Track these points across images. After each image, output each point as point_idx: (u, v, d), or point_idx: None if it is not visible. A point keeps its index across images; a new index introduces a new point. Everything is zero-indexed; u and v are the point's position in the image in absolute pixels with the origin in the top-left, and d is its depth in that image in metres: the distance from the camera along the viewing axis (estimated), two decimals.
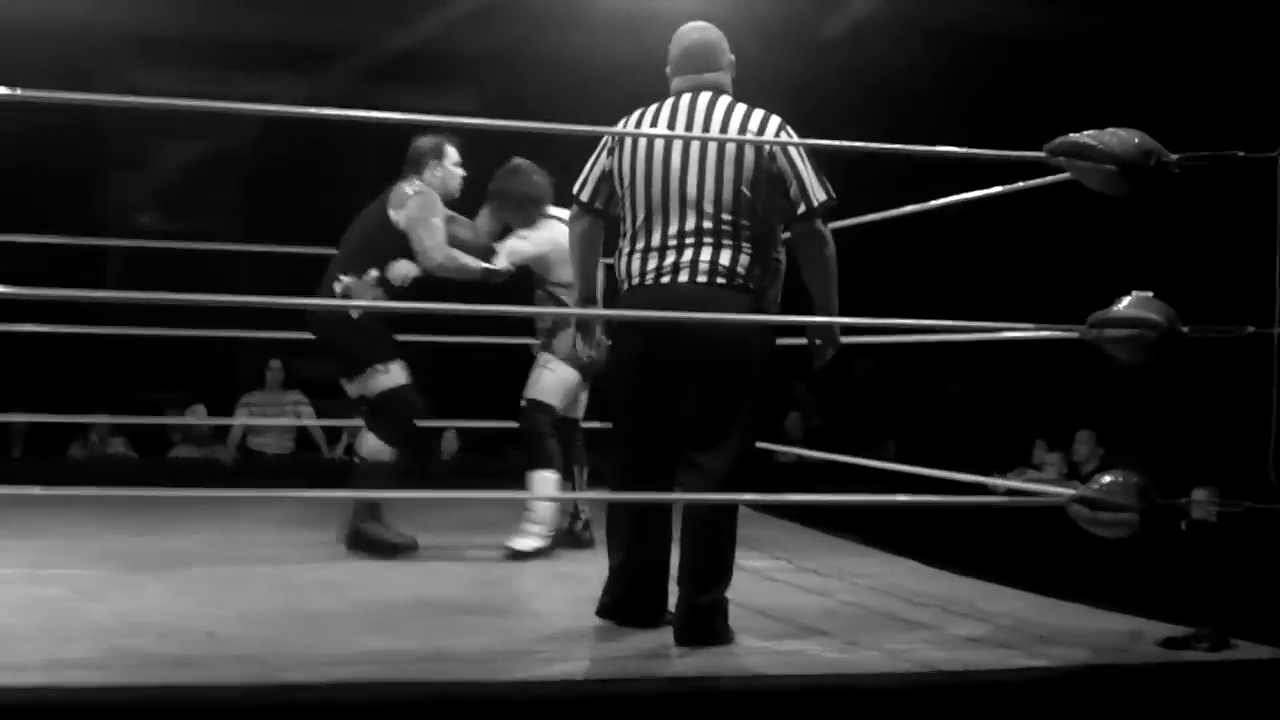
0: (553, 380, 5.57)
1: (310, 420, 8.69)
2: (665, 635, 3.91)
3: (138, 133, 9.84)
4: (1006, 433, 9.62)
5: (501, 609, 4.43)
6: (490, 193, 5.72)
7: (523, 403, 5.57)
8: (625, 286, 4.01)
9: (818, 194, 3.93)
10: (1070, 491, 4.05)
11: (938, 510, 4.51)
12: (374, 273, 5.48)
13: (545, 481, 5.45)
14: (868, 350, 8.78)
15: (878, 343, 6.19)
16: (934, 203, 4.90)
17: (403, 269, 5.49)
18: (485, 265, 5.56)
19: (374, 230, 5.52)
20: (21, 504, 6.10)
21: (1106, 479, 3.93)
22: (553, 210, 5.56)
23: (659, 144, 3.93)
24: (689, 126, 3.94)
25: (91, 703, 3.22)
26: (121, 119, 9.60)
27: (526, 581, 4.92)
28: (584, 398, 5.76)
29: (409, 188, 5.54)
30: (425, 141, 5.61)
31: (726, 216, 3.88)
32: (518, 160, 5.67)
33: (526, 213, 5.62)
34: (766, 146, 3.90)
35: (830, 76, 8.62)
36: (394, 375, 5.45)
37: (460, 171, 5.67)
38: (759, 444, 4.16)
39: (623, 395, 4.06)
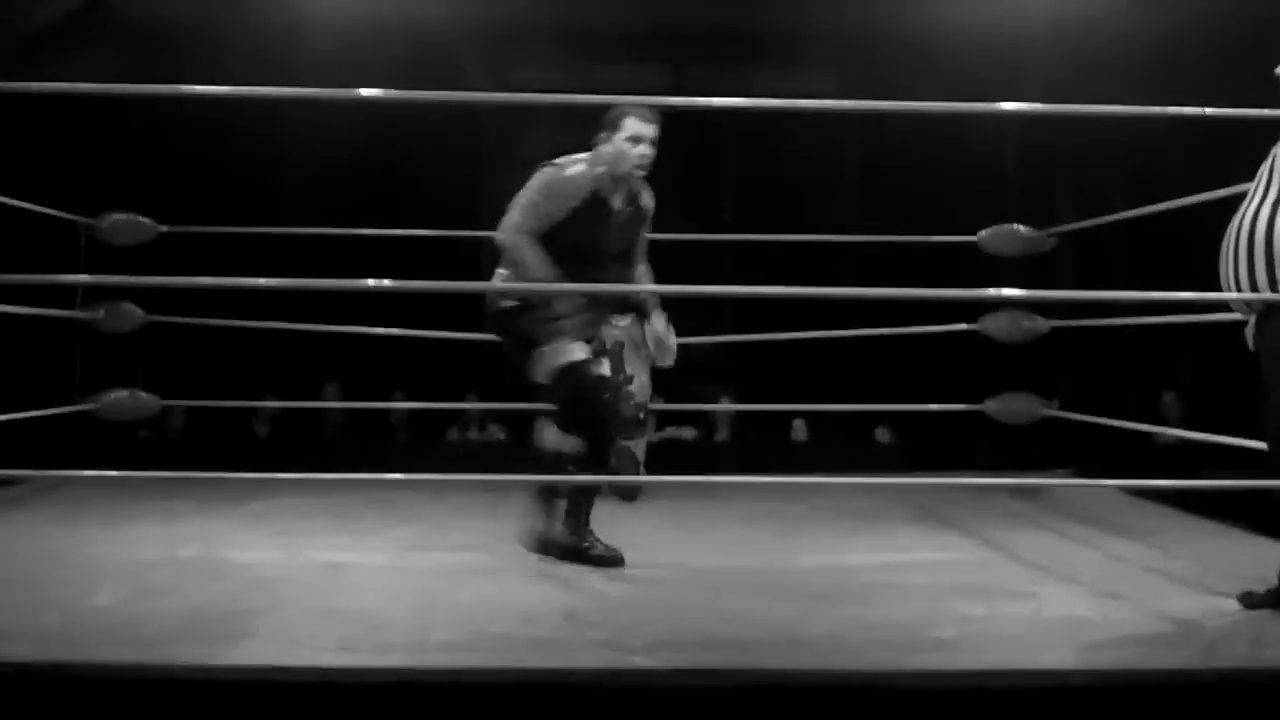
0: None
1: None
2: None
3: (511, 127, 10.04)
4: None
5: (860, 597, 4.34)
6: None
7: None
8: None
9: None
10: None
11: None
12: None
13: None
14: None
15: None
16: None
17: None
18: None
19: None
20: (400, 487, 6.38)
21: None
22: None
23: None
24: None
25: (452, 685, 3.32)
26: (496, 114, 9.81)
27: (884, 571, 4.81)
28: None
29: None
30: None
31: None
32: None
33: None
34: None
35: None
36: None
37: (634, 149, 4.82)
38: None
39: None
